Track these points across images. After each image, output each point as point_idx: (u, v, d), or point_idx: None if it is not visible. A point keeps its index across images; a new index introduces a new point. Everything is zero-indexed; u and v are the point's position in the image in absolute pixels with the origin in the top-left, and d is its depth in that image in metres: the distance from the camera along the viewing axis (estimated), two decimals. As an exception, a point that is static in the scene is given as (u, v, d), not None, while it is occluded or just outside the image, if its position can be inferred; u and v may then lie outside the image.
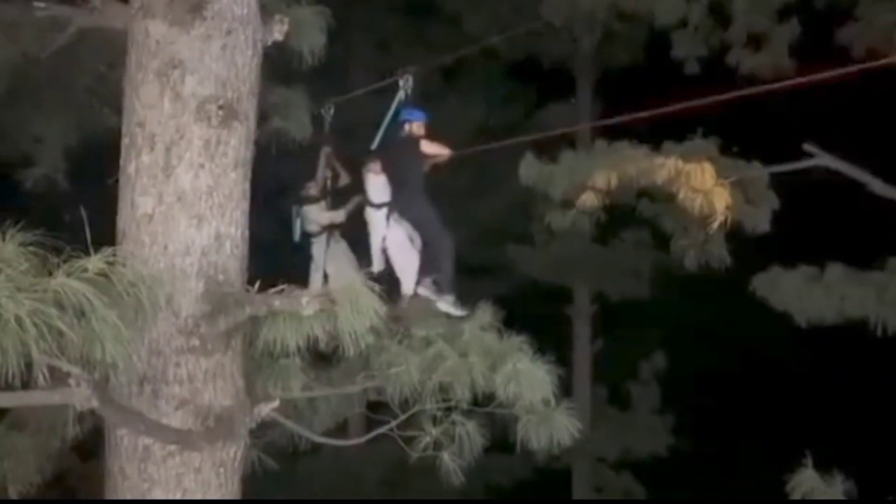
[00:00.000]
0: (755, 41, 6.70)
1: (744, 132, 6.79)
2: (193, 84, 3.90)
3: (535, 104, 10.67)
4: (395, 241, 6.13)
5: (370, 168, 6.31)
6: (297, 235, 6.71)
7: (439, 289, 5.70)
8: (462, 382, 4.19)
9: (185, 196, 3.91)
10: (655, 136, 6.80)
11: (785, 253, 6.81)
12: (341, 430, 5.15)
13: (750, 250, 6.91)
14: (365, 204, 6.34)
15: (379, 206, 6.20)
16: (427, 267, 5.90)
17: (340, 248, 6.73)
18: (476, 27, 9.44)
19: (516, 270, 9.94)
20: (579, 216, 7.70)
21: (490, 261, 10.12)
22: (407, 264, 6.04)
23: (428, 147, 6.11)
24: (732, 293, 7.49)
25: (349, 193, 6.69)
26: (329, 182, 6.82)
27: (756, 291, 6.76)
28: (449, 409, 4.37)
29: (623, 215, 8.45)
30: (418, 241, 6.09)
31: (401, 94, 6.25)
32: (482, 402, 4.41)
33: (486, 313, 4.58)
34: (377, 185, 6.26)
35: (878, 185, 6.32)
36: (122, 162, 4.02)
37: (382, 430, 4.41)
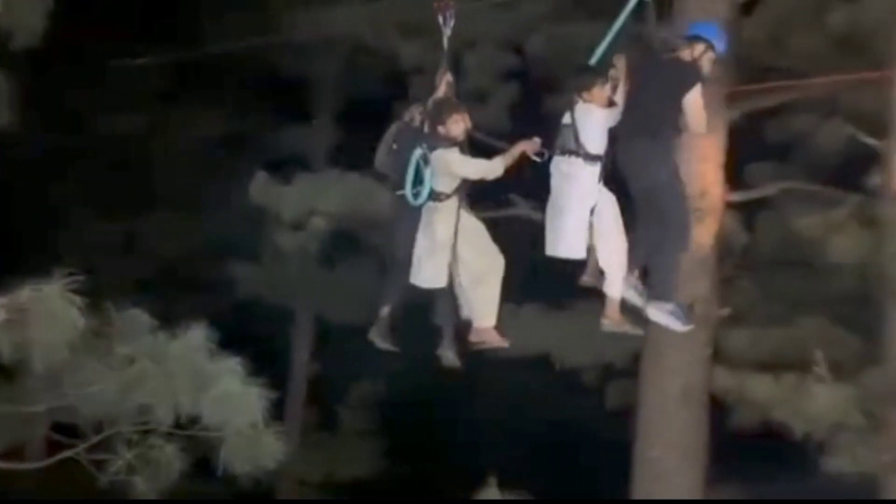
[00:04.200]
0: (482, 97, 7.23)
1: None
2: None
3: (274, 121, 10.59)
4: (610, 214, 4.25)
5: (592, 95, 4.23)
6: (423, 194, 4.41)
7: (654, 291, 4.19)
8: (165, 404, 4.01)
9: None
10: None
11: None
12: (18, 452, 4.66)
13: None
14: (563, 153, 4.27)
15: (594, 159, 4.21)
16: (643, 257, 4.30)
17: (473, 220, 4.68)
18: (216, 32, 9.18)
19: (238, 288, 9.72)
20: (307, 239, 7.76)
21: (211, 276, 9.80)
22: (620, 250, 4.28)
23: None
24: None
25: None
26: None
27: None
28: (148, 432, 4.16)
29: (351, 241, 8.63)
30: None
31: None
32: (186, 425, 4.26)
33: (198, 332, 4.42)
34: (597, 124, 4.23)
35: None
36: None
37: (68, 453, 4.08)
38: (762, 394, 5.46)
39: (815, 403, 5.08)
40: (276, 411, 4.44)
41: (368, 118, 9.98)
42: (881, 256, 5.01)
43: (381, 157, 4.97)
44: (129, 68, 9.02)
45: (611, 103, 4.32)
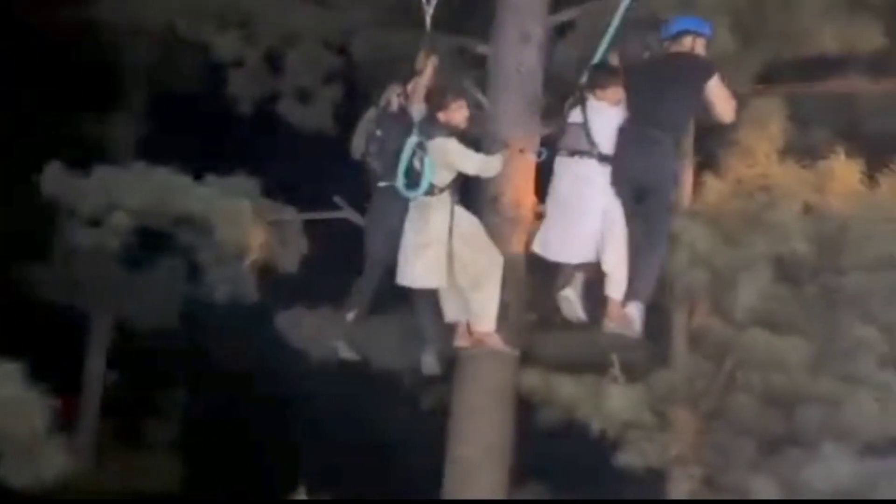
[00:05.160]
0: (305, 96, 7.09)
1: (284, 177, 7.10)
2: None
3: (74, 108, 9.84)
4: (618, 216, 4.11)
5: (605, 93, 4.14)
6: (423, 185, 4.12)
7: (632, 292, 4.09)
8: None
9: None
10: (200, 166, 6.76)
11: (308, 294, 7.24)
12: None
13: (278, 289, 7.21)
14: (572, 153, 4.07)
15: (606, 160, 4.09)
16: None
17: (468, 217, 4.35)
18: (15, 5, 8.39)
19: (27, 290, 8.92)
20: (108, 237, 7.24)
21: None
22: (625, 252, 4.17)
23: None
24: (259, 329, 7.72)
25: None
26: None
27: (279, 328, 7.06)
28: None
29: (158, 241, 8.18)
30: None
31: None
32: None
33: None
34: (609, 123, 4.14)
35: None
36: None
37: None
38: (566, 394, 5.72)
39: (610, 403, 5.40)
40: (71, 421, 4.11)
41: (179, 110, 9.58)
42: (670, 267, 5.41)
43: (359, 144, 4.60)
44: None
45: (618, 102, 4.21)
